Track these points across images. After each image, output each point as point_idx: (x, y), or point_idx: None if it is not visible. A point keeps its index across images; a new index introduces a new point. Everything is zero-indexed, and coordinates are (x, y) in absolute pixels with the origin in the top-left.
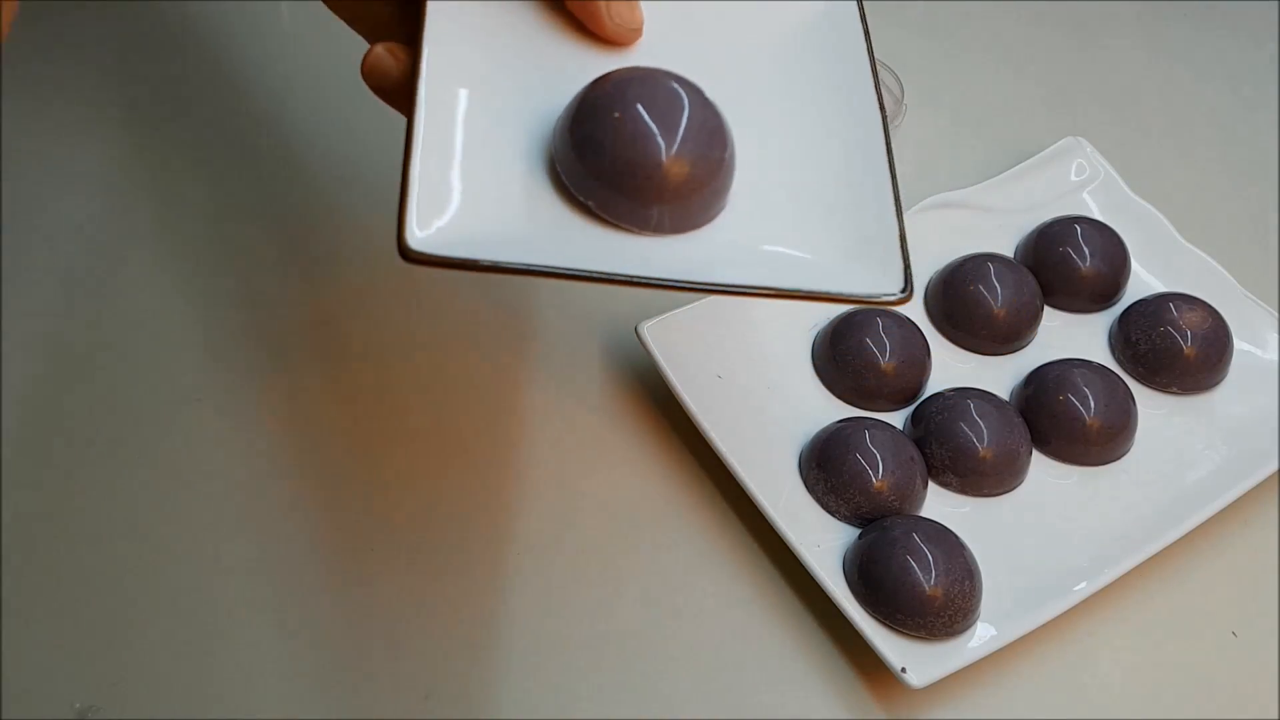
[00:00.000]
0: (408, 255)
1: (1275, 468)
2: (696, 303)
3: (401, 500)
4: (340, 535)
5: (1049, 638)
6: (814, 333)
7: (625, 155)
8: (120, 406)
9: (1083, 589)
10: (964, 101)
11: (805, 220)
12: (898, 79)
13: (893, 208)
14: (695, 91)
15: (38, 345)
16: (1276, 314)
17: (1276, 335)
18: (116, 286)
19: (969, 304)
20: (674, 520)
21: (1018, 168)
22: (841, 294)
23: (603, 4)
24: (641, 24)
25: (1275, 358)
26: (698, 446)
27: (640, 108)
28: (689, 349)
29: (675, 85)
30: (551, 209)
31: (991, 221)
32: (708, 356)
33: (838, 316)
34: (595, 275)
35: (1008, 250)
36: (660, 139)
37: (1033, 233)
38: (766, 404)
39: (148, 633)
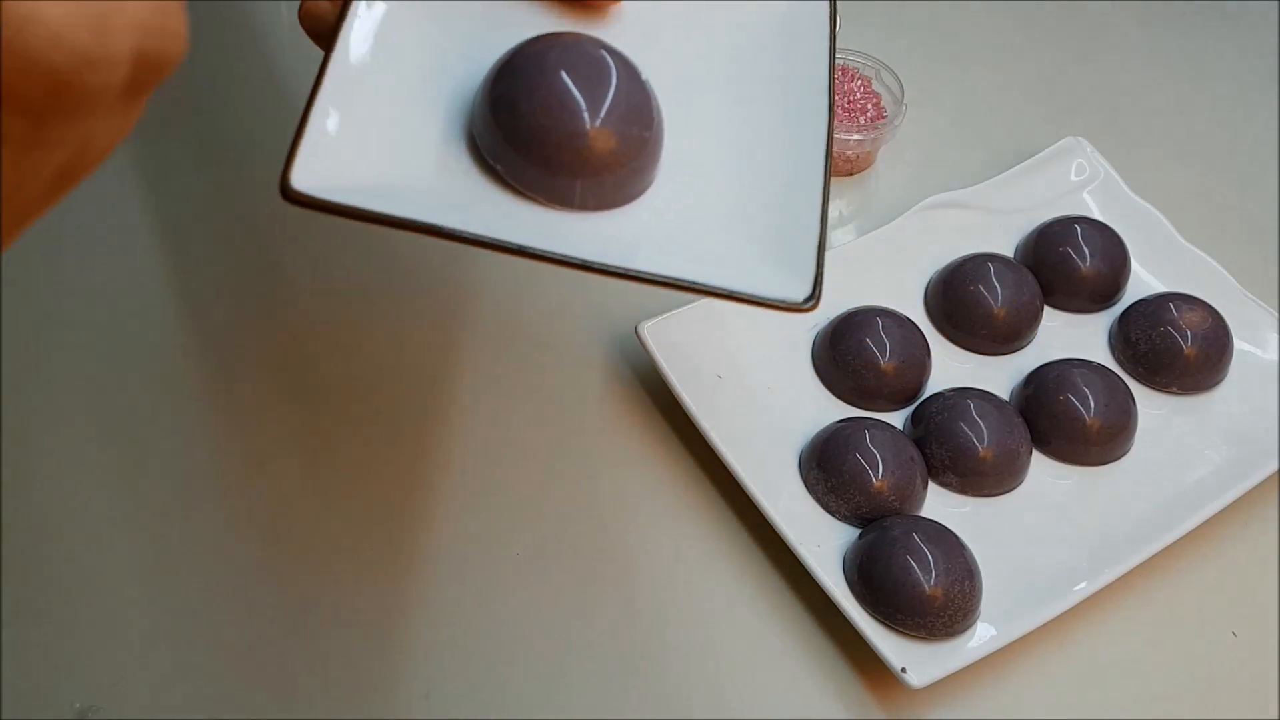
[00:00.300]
0: (287, 194)
1: (1275, 468)
2: (696, 303)
3: (401, 500)
4: (339, 536)
5: (1049, 638)
6: (814, 333)
7: (539, 120)
8: (120, 408)
9: (1083, 589)
10: (964, 102)
11: (725, 216)
12: (898, 79)
13: (818, 215)
14: (624, 64)
15: (36, 345)
16: (1276, 314)
17: (1276, 335)
18: (116, 284)
19: (969, 304)
20: (674, 520)
21: (1018, 168)
22: (745, 294)
23: None
24: None
25: (1275, 358)
26: (698, 446)
27: (563, 73)
28: (689, 349)
29: (604, 54)
30: (457, 170)
31: (991, 221)
32: (708, 356)
33: (838, 316)
34: (482, 239)
35: (1008, 250)
36: (580, 107)
37: (1033, 233)
38: (766, 404)
39: (147, 633)
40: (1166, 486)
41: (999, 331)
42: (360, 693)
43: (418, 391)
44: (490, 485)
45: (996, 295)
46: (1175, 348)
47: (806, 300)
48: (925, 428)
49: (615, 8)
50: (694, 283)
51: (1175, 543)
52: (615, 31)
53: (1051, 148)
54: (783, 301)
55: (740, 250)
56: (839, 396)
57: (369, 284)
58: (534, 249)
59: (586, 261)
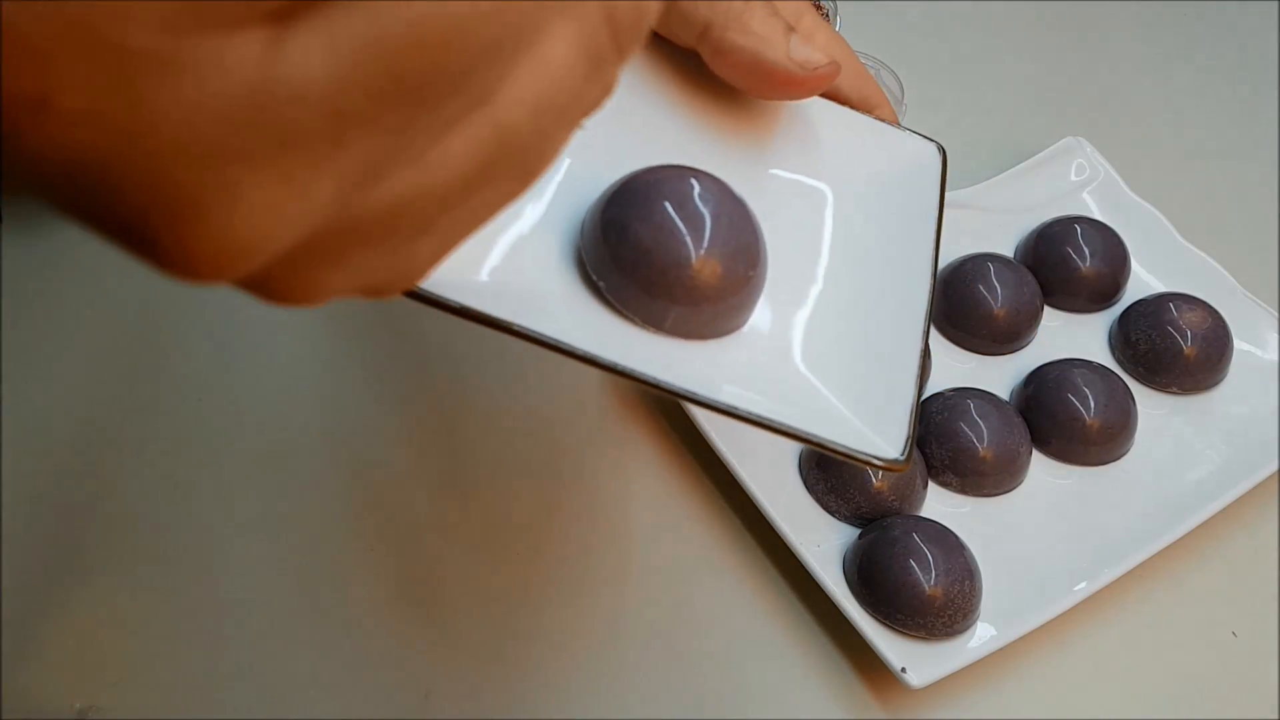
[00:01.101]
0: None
1: (1275, 468)
2: None
3: (400, 501)
4: (338, 536)
5: (1049, 638)
6: None
7: (647, 245)
8: (118, 407)
9: (1083, 589)
10: (964, 101)
11: (824, 363)
12: (898, 79)
13: (914, 374)
14: (740, 205)
15: (35, 345)
16: (1276, 314)
17: (1276, 335)
18: (117, 279)
19: (969, 304)
20: (673, 520)
21: (1018, 168)
22: (834, 444)
23: (785, 61)
24: (831, 55)
25: (1275, 357)
26: (698, 446)
27: (676, 203)
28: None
29: (720, 191)
30: (561, 281)
31: (991, 221)
32: None
33: None
34: (577, 352)
35: (1008, 250)
36: (687, 239)
37: (1033, 233)
38: None
39: (148, 633)
40: (1167, 486)
41: (999, 331)
42: (360, 693)
43: (415, 392)
44: (489, 485)
45: (996, 295)
46: (1175, 348)
47: (897, 460)
48: (925, 428)
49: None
50: (785, 425)
51: (1175, 543)
52: (737, 164)
53: (1051, 148)
54: (873, 456)
55: (830, 400)
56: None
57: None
58: (630, 370)
59: (683, 391)
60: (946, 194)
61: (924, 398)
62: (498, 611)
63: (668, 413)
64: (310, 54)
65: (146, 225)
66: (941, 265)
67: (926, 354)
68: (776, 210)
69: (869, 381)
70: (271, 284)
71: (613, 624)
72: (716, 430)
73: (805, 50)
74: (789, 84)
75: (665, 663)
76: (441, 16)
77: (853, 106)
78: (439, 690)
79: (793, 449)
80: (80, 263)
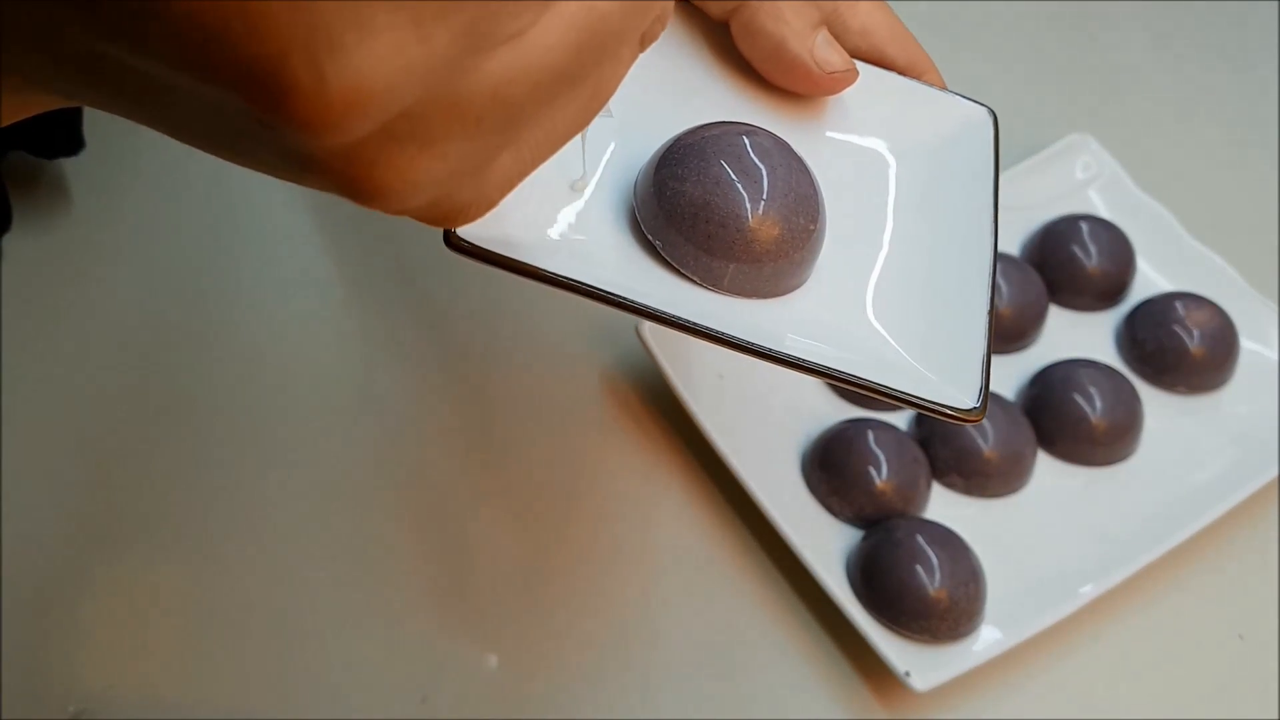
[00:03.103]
0: (451, 241)
1: None
2: None
3: (398, 502)
4: (336, 538)
5: (1054, 641)
6: None
7: (702, 201)
8: (117, 408)
9: (1089, 591)
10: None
11: (890, 317)
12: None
13: (984, 323)
14: (795, 158)
15: (35, 345)
16: None
17: None
18: (126, 276)
19: None
20: (674, 521)
21: (1023, 165)
22: (913, 396)
23: (806, 56)
24: (851, 60)
25: None
26: (699, 447)
27: (730, 158)
28: (690, 349)
29: (776, 146)
30: (617, 241)
31: None
32: (709, 356)
33: None
34: (635, 305)
35: (1013, 248)
36: (744, 193)
37: (1038, 231)
38: (768, 404)
39: (143, 635)
40: (1173, 487)
41: (1004, 330)
42: (357, 696)
43: (414, 391)
44: (488, 485)
45: (1001, 294)
46: (1182, 347)
47: (974, 409)
48: (929, 428)
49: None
50: (857, 376)
51: (1182, 544)
52: (793, 126)
53: (1057, 145)
54: (950, 409)
55: (899, 352)
56: (841, 396)
57: (371, 283)
58: (693, 324)
59: (736, 339)
60: None
61: None
62: (497, 613)
63: (669, 414)
64: None
65: (283, 65)
66: None
67: (994, 309)
68: (831, 172)
69: (939, 333)
70: (366, 158)
71: (613, 625)
72: (719, 431)
73: (827, 50)
74: (805, 80)
75: (666, 664)
76: None
77: (900, 72)
78: (436, 694)
79: (794, 450)
80: (84, 263)
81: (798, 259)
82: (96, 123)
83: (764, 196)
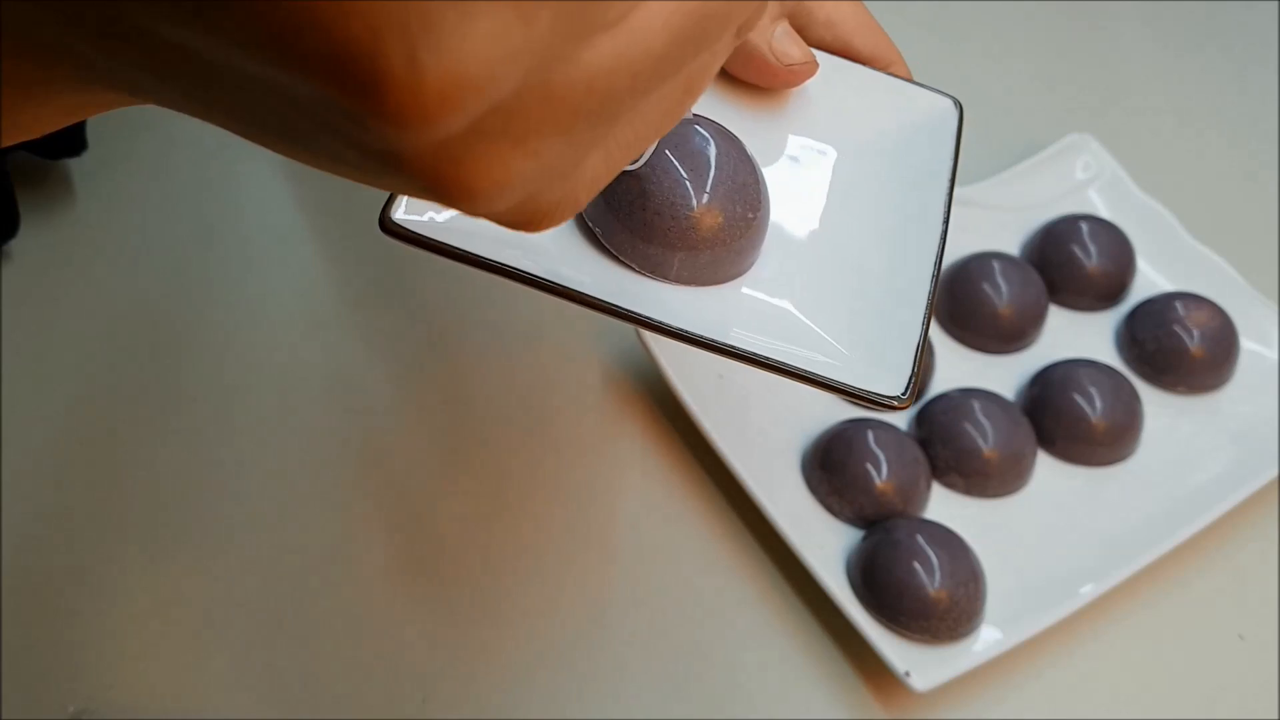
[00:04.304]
0: (386, 226)
1: None
2: None
3: (398, 502)
4: (335, 538)
5: (1055, 641)
6: None
7: (642, 189)
8: (115, 408)
9: (1089, 591)
10: (968, 98)
11: (828, 305)
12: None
13: (921, 314)
14: (736, 146)
15: (36, 345)
16: None
17: None
18: (106, 274)
19: (974, 302)
20: (674, 521)
21: (1023, 165)
22: (840, 382)
23: (764, 48)
24: (810, 53)
25: None
26: (699, 447)
27: (673, 150)
28: (690, 349)
29: (716, 135)
30: (560, 229)
31: (997, 219)
32: (709, 357)
33: None
34: (569, 291)
35: (1013, 248)
36: (682, 182)
37: (1038, 231)
38: (768, 404)
39: (142, 635)
40: (1173, 487)
41: (1004, 330)
42: (357, 697)
43: (414, 391)
44: (488, 486)
45: (1002, 294)
46: (1182, 347)
47: (899, 397)
48: (929, 428)
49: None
50: (782, 363)
51: (1182, 544)
52: (753, 118)
53: (1057, 145)
54: (873, 395)
55: (830, 340)
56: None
57: (369, 282)
58: (620, 308)
59: (663, 324)
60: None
61: (929, 398)
62: (497, 614)
63: (669, 413)
64: None
65: (376, 51)
66: (946, 264)
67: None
68: (783, 167)
69: (876, 321)
70: (455, 156)
71: (613, 625)
72: (719, 431)
73: (786, 43)
74: (763, 72)
75: (666, 664)
76: None
77: (865, 63)
78: (436, 694)
79: (794, 450)
80: (88, 263)
81: (736, 247)
82: (99, 123)
83: (703, 185)
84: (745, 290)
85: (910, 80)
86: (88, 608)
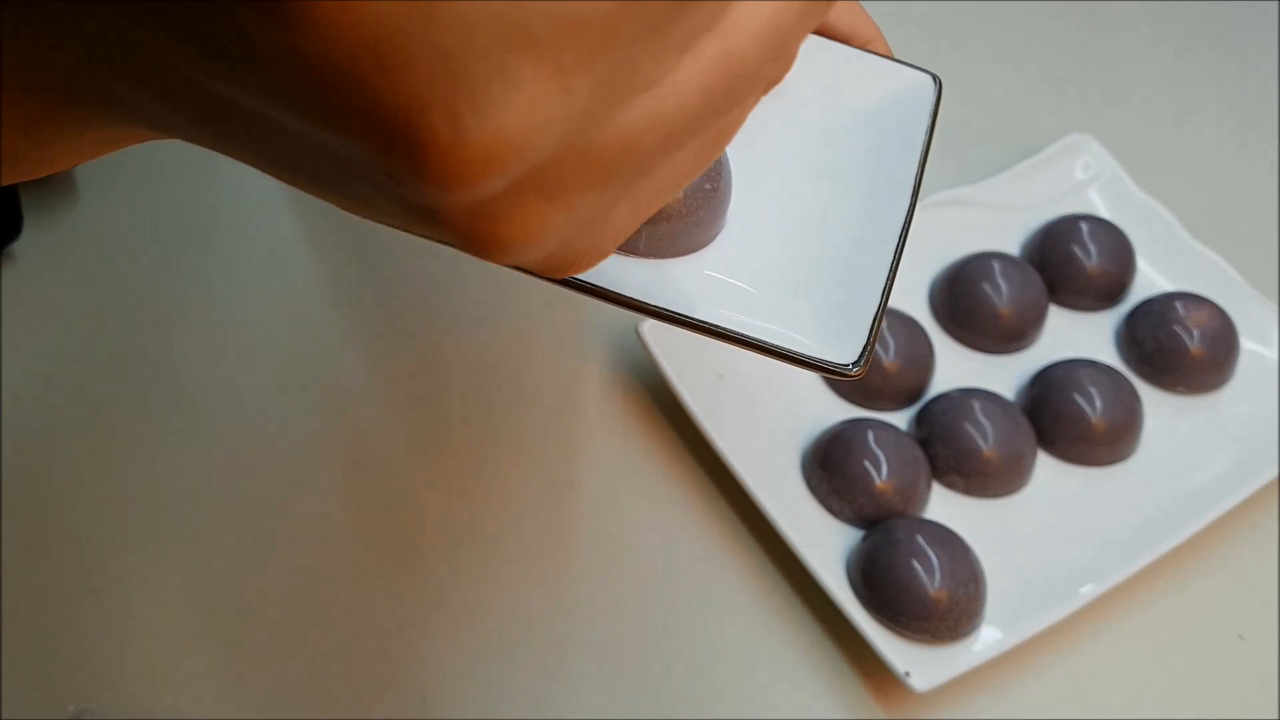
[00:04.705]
0: None
1: None
2: None
3: (398, 502)
4: (335, 538)
5: (1055, 641)
6: None
7: None
8: (115, 408)
9: (1089, 591)
10: (968, 98)
11: (784, 276)
12: None
13: (882, 284)
14: None
15: (36, 342)
16: None
17: None
18: (110, 275)
19: (974, 302)
20: (674, 522)
21: (1023, 164)
22: (787, 349)
23: None
24: None
25: None
26: (698, 447)
27: None
28: (690, 349)
29: None
30: None
31: (996, 219)
32: (709, 356)
33: None
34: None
35: (1013, 248)
36: None
37: (1038, 230)
38: (768, 404)
39: (142, 635)
40: (1173, 487)
41: (1004, 330)
42: (357, 696)
43: (414, 391)
44: (488, 486)
45: (1002, 294)
46: (1182, 347)
47: (852, 365)
48: (929, 428)
49: None
50: (729, 329)
51: (1182, 545)
52: None
53: (1057, 144)
54: (826, 362)
55: (793, 311)
56: (842, 396)
57: (365, 281)
58: (585, 283)
59: (634, 300)
60: (953, 190)
61: (929, 398)
62: (496, 615)
63: (669, 413)
64: None
65: (422, 117)
66: (946, 264)
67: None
68: (751, 138)
69: (833, 291)
70: (492, 212)
71: (612, 626)
72: (719, 431)
73: None
74: None
75: (665, 664)
76: None
77: (843, 40)
78: (436, 694)
79: (794, 450)
80: (90, 263)
81: (695, 219)
82: None
83: None
84: (705, 261)
85: (890, 57)
86: (88, 608)
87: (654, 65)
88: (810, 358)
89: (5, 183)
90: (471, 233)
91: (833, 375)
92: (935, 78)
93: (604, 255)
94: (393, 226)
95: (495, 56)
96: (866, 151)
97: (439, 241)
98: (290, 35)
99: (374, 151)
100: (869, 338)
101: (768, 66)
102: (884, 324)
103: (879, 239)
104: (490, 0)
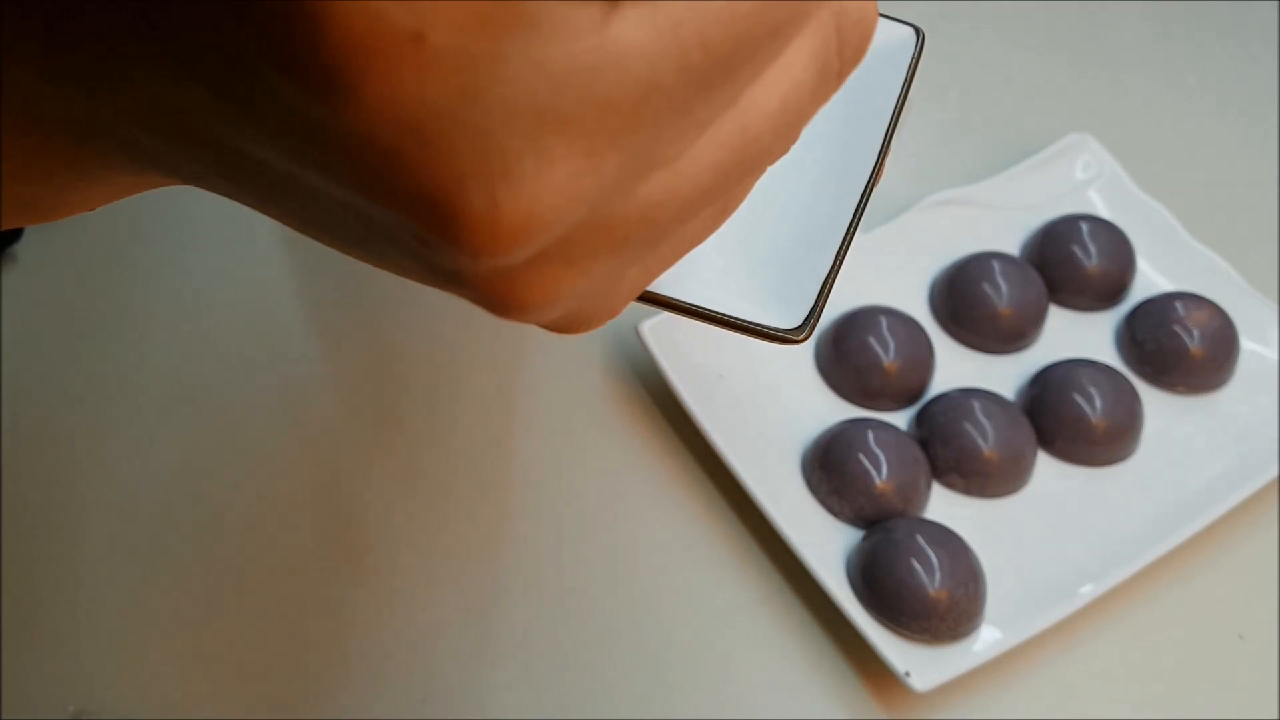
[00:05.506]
0: None
1: None
2: None
3: (397, 501)
4: (335, 538)
5: (1055, 641)
6: (817, 332)
7: None
8: (116, 408)
9: (1089, 591)
10: (968, 97)
11: (734, 237)
12: None
13: (835, 248)
14: None
15: (37, 343)
16: None
17: None
18: (112, 276)
19: (974, 302)
20: (674, 522)
21: (1022, 164)
22: (723, 314)
23: None
24: None
25: None
26: (698, 447)
27: None
28: (690, 349)
29: None
30: None
31: (996, 219)
32: (709, 356)
33: (840, 316)
34: None
35: (1013, 248)
36: None
37: (1038, 230)
38: (768, 404)
39: (142, 635)
40: (1174, 487)
41: (1004, 330)
42: (356, 696)
43: (412, 391)
44: (488, 485)
45: (1001, 294)
46: (1182, 347)
47: (796, 330)
48: (929, 428)
49: None
50: (668, 298)
51: (1182, 545)
52: None
53: (1057, 144)
54: (766, 328)
55: (740, 274)
56: (842, 396)
57: (358, 281)
58: None
59: None
60: (953, 190)
61: (929, 398)
62: (494, 613)
63: (668, 412)
64: (637, 21)
65: (460, 190)
66: (946, 263)
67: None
68: None
69: (785, 254)
70: (514, 276)
71: (611, 626)
72: (719, 431)
73: None
74: None
75: (664, 664)
76: None
77: None
78: (435, 694)
79: (794, 450)
80: (91, 262)
81: None
82: None
83: None
84: None
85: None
86: (88, 608)
87: (675, 142)
88: (750, 323)
89: (23, 224)
90: (494, 294)
91: (777, 342)
92: (918, 30)
93: (613, 315)
94: (416, 281)
95: (532, 137)
96: (836, 110)
97: (462, 298)
98: (338, 114)
99: (409, 220)
100: (815, 303)
101: (778, 143)
102: (833, 289)
103: (840, 198)
104: (528, 85)
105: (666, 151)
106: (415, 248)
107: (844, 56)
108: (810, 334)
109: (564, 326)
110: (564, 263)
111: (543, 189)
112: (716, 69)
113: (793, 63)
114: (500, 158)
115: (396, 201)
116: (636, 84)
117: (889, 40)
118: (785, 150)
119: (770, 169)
